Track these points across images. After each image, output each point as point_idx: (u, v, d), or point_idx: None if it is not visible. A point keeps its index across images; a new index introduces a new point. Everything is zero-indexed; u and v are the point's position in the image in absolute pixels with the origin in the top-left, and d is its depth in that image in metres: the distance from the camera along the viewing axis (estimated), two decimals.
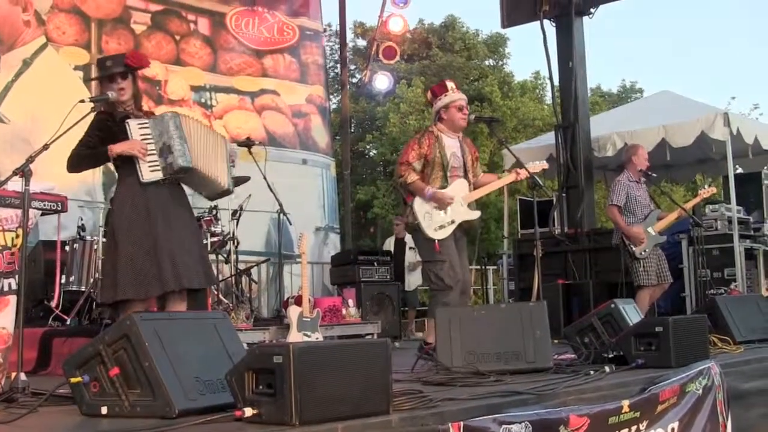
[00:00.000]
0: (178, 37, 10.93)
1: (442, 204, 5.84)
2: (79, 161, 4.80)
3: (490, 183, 6.23)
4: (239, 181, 8.12)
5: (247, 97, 11.47)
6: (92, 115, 4.74)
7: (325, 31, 16.91)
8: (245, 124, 11.28)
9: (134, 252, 4.65)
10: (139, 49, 10.37)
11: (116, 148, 4.71)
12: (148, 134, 4.76)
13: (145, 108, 5.18)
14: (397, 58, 12.77)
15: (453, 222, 5.89)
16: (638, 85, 32.30)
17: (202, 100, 11.03)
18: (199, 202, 8.80)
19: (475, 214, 6.05)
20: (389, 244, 11.82)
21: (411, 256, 11.10)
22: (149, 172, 4.74)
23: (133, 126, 4.75)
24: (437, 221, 5.85)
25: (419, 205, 5.89)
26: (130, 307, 4.54)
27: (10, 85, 9.21)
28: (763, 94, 57.54)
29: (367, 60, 13.40)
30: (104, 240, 5.38)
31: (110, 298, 4.73)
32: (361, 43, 27.12)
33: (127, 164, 4.77)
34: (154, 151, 4.74)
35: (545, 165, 6.44)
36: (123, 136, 4.72)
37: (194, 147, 4.83)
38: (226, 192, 5.19)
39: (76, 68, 9.59)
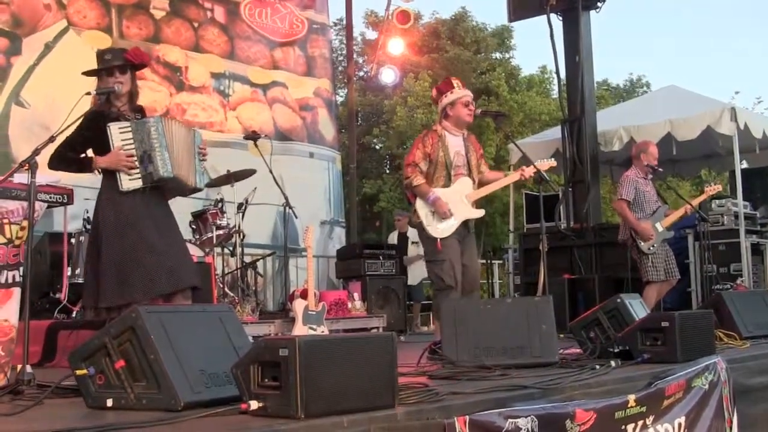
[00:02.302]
0: (196, 24, 10.98)
1: (439, 214, 5.85)
2: (61, 163, 4.72)
3: (495, 181, 6.23)
4: (244, 174, 8.17)
5: (259, 89, 11.51)
6: (82, 106, 4.69)
7: (335, 25, 16.91)
8: (257, 116, 11.32)
9: (122, 258, 4.59)
10: (159, 34, 10.48)
11: (101, 163, 4.66)
12: (129, 139, 4.67)
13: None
14: (411, 22, 12.71)
15: (455, 221, 5.90)
16: (645, 79, 32.29)
17: (221, 88, 11.08)
18: (204, 194, 8.85)
19: (479, 213, 6.05)
20: (393, 239, 11.82)
21: (413, 251, 11.12)
22: (128, 180, 4.66)
23: (114, 131, 4.65)
24: (439, 221, 5.87)
25: (422, 205, 5.91)
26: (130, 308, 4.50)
27: (32, 69, 9.22)
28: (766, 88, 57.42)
29: (374, 51, 13.40)
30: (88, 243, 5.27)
31: (93, 304, 4.68)
32: (373, 35, 27.05)
33: (111, 169, 4.71)
34: (135, 158, 4.66)
35: (553, 163, 6.44)
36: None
37: (175, 154, 4.75)
38: (196, 190, 5.08)
39: None
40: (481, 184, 6.13)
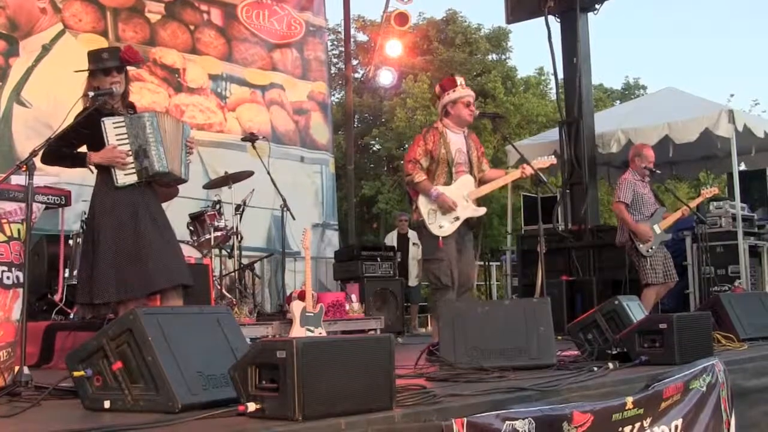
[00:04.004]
0: (192, 27, 10.96)
1: (444, 209, 5.85)
2: (55, 159, 4.69)
3: (496, 179, 6.21)
4: (242, 175, 8.16)
5: (258, 91, 11.50)
6: (80, 106, 4.69)
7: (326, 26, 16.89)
8: (256, 117, 11.33)
9: (119, 253, 4.57)
10: (156, 37, 10.48)
11: (95, 158, 4.64)
12: (124, 134, 4.66)
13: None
14: (409, 24, 12.72)
15: (457, 219, 5.89)
16: (641, 81, 32.34)
17: (219, 90, 11.06)
18: (202, 195, 8.85)
19: (480, 211, 6.04)
20: (391, 239, 11.81)
21: (414, 252, 11.12)
22: (123, 176, 4.65)
23: (109, 126, 4.64)
24: (442, 218, 5.86)
25: (424, 203, 5.90)
26: (125, 305, 4.49)
27: (31, 69, 9.22)
28: (763, 90, 57.51)
29: (370, 54, 13.42)
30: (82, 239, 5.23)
31: (88, 300, 4.66)
32: (362, 38, 27.12)
33: (105, 165, 4.69)
34: (129, 153, 4.65)
35: (553, 160, 6.42)
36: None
37: (168, 149, 4.74)
38: (181, 181, 4.99)
39: None
40: (482, 182, 6.11)
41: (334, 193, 12.69)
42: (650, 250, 7.40)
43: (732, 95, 48.43)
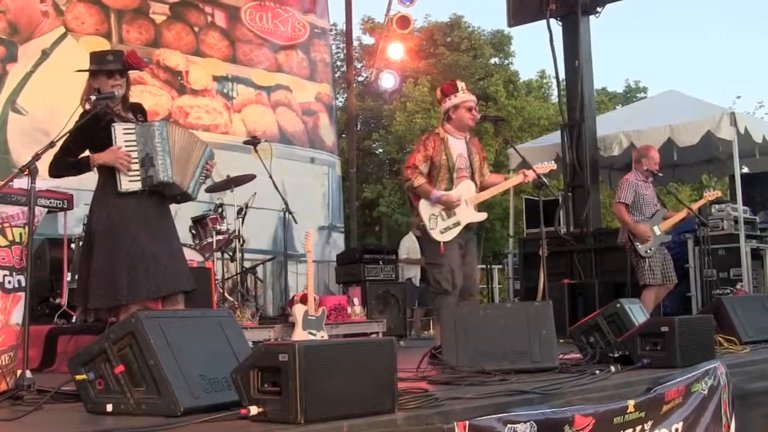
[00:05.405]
0: (197, 29, 11.00)
1: (449, 207, 5.85)
2: (60, 169, 4.69)
3: (497, 185, 6.22)
4: (244, 179, 8.17)
5: (263, 92, 11.53)
6: (80, 111, 4.67)
7: (331, 29, 16.94)
8: (261, 119, 11.36)
9: (112, 259, 4.56)
10: (160, 38, 10.53)
11: (98, 159, 4.62)
12: (132, 141, 4.64)
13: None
14: (411, 27, 12.72)
15: (459, 224, 5.89)
16: (642, 84, 32.30)
17: (225, 91, 11.10)
18: (205, 198, 8.85)
19: (481, 216, 6.04)
20: (410, 241, 11.69)
21: None
22: (128, 182, 4.63)
23: (119, 131, 4.63)
24: (443, 224, 5.86)
25: (425, 208, 5.90)
26: (126, 309, 4.50)
27: (29, 76, 9.21)
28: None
29: (373, 57, 13.44)
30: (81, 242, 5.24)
31: (83, 304, 4.68)
32: (369, 40, 27.11)
33: (108, 168, 4.66)
34: (136, 160, 4.62)
35: (553, 166, 6.41)
36: (108, 141, 4.61)
37: (176, 159, 4.72)
38: (188, 198, 4.96)
39: None
40: (483, 187, 6.12)
41: (340, 196, 12.71)
42: (649, 251, 7.39)
43: (738, 97, 48.42)
